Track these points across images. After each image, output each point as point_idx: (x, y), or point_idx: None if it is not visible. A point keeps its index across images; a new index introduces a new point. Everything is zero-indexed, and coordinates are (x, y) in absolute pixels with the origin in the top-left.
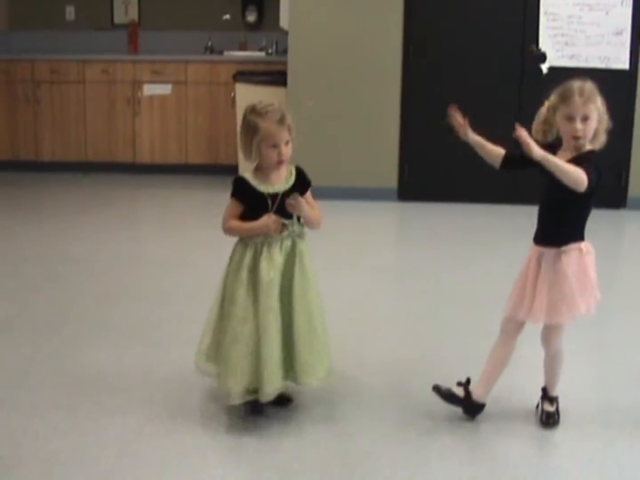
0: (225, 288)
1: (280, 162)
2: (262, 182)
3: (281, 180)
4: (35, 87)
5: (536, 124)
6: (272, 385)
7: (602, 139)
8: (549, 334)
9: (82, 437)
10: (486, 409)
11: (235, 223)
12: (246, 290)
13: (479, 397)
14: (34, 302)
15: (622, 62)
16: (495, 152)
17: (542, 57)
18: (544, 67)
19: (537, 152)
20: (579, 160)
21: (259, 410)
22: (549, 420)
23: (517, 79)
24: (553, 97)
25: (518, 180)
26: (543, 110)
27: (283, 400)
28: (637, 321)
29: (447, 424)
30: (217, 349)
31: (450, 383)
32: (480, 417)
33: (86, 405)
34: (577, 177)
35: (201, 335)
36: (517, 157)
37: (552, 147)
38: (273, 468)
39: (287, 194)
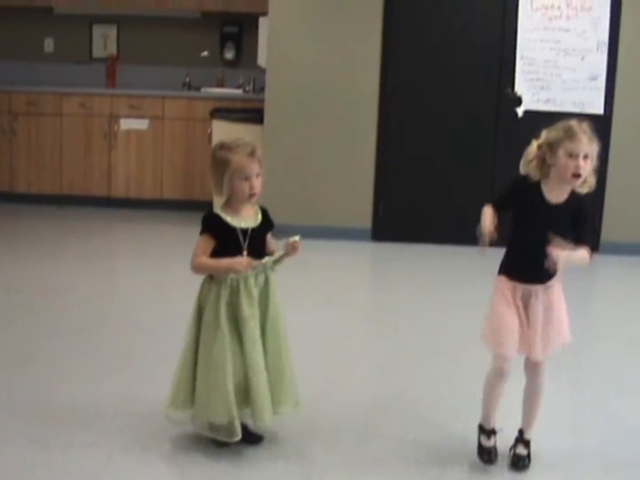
0: (197, 332)
1: (252, 195)
2: (233, 217)
3: (250, 217)
4: (12, 119)
5: (526, 163)
6: (266, 417)
7: (592, 181)
8: (540, 366)
9: (53, 470)
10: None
11: (207, 259)
12: (228, 331)
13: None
14: (7, 333)
15: (596, 107)
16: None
17: (518, 101)
18: (520, 111)
19: (565, 260)
20: (579, 205)
21: (228, 443)
22: (518, 462)
23: (493, 121)
24: (552, 134)
25: None
26: (533, 148)
27: (254, 438)
28: (610, 364)
29: (418, 465)
30: (190, 396)
31: (425, 421)
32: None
33: (58, 437)
34: (587, 261)
35: (172, 385)
36: (503, 204)
37: (532, 186)
38: None
39: (256, 231)
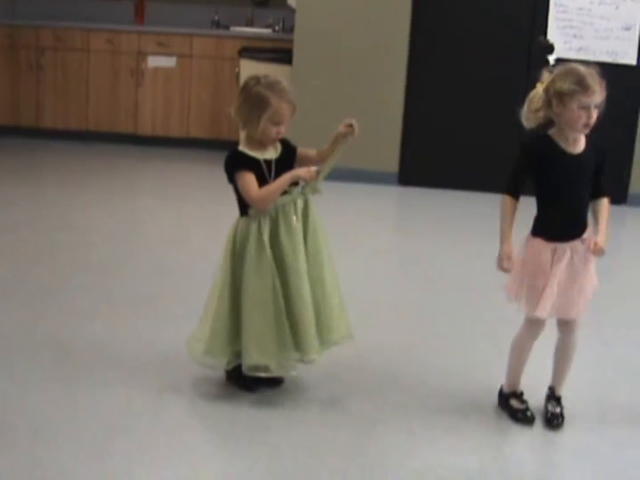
0: (233, 277)
1: (275, 140)
2: (255, 151)
3: (271, 150)
4: (39, 54)
5: (532, 109)
6: (313, 350)
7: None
8: (576, 321)
9: (73, 408)
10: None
11: (264, 188)
12: (272, 265)
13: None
14: (31, 270)
15: (629, 57)
16: (513, 217)
17: (550, 49)
18: (551, 59)
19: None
20: (602, 151)
21: (253, 388)
22: (553, 421)
23: (524, 69)
24: (565, 86)
25: None
26: (539, 93)
27: (274, 381)
28: (636, 319)
29: (438, 412)
30: (227, 344)
31: (447, 369)
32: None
33: (79, 376)
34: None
35: (204, 333)
36: (521, 182)
37: (545, 142)
38: (262, 447)
39: (279, 161)
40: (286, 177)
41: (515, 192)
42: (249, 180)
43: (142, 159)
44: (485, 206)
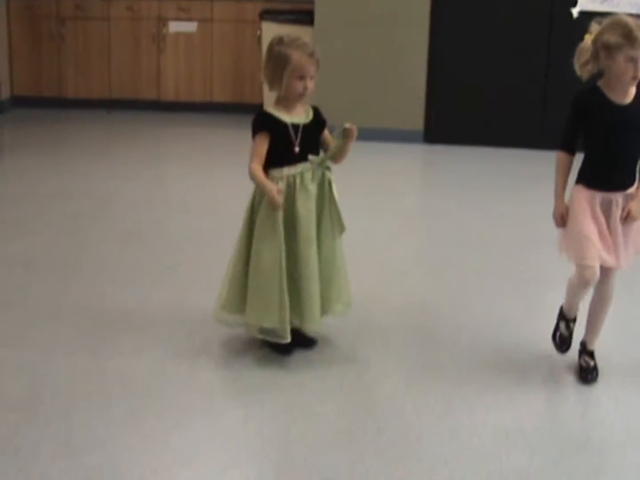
0: (250, 237)
1: (302, 95)
2: (284, 114)
3: (301, 114)
4: (59, 24)
5: (582, 61)
6: (315, 319)
7: None
8: (612, 274)
9: (104, 377)
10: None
11: (259, 171)
12: (283, 228)
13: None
14: (57, 239)
15: None
16: (567, 173)
17: (573, 1)
18: (575, 11)
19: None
20: None
21: (287, 351)
22: (587, 376)
23: (547, 21)
24: (612, 39)
25: (547, 126)
26: (587, 45)
27: (307, 342)
28: None
29: (471, 371)
30: (243, 302)
31: (477, 327)
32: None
33: (109, 344)
34: None
35: (223, 290)
36: (574, 137)
37: (592, 93)
38: (296, 409)
39: (307, 127)
40: (265, 186)
41: (568, 148)
42: (259, 146)
43: (165, 125)
44: (511, 162)
